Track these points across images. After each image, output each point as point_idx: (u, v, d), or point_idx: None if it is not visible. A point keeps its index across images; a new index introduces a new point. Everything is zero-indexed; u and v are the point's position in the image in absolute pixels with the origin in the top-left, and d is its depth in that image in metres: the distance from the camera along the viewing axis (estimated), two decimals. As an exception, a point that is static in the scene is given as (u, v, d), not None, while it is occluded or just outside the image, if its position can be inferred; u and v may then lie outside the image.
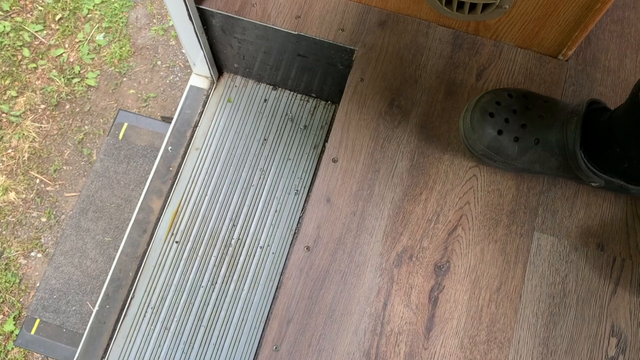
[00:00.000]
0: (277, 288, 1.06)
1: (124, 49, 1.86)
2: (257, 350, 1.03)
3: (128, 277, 1.10)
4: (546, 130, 0.82)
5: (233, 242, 1.11)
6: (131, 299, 1.09)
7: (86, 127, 1.76)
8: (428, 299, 0.84)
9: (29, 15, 1.90)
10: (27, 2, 1.91)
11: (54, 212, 1.66)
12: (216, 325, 1.05)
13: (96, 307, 1.08)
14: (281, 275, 1.06)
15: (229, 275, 1.09)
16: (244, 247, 1.10)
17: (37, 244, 1.64)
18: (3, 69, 1.81)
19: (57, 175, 1.71)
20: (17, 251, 1.63)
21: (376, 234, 0.87)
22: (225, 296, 1.07)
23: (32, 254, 1.63)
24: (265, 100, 1.20)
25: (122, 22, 1.90)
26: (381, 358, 0.81)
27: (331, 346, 0.82)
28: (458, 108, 0.93)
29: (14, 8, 1.90)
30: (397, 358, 0.81)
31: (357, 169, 0.90)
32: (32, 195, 1.70)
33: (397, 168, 0.90)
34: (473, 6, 0.89)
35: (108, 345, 1.06)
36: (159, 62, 1.84)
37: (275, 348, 0.82)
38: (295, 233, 1.10)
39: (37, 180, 1.71)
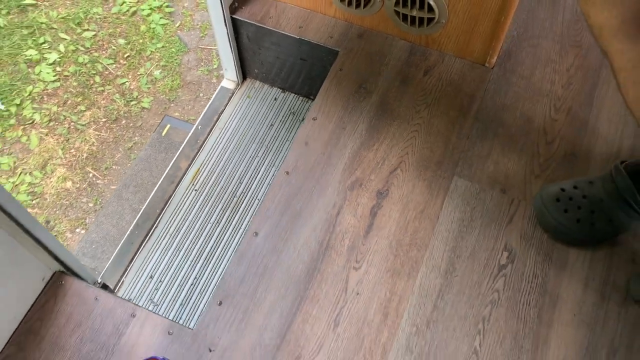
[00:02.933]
0: (260, 201, 1.34)
1: (174, 82, 2.30)
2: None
3: (155, 212, 1.43)
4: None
5: (237, 194, 1.44)
6: (155, 227, 1.41)
7: (136, 138, 2.16)
8: (370, 212, 1.15)
9: (104, 52, 2.38)
10: (104, 42, 2.40)
11: (100, 200, 2.02)
12: (218, 248, 1.36)
13: (127, 232, 1.41)
14: (266, 190, 1.34)
15: (231, 217, 1.41)
16: (245, 198, 1.43)
17: (82, 223, 1.98)
18: (78, 90, 2.27)
19: (107, 172, 2.09)
20: (65, 227, 1.98)
21: (338, 168, 1.20)
22: (227, 230, 1.39)
23: (77, 230, 1.97)
24: (275, 98, 1.57)
25: (176, 63, 2.36)
26: (329, 247, 1.11)
27: (295, 237, 1.12)
28: (408, 92, 1.28)
29: (93, 46, 2.39)
30: (342, 248, 1.11)
31: (330, 125, 1.25)
32: (84, 186, 2.07)
33: (358, 127, 1.24)
34: (421, 21, 1.27)
35: (132, 259, 1.37)
36: (201, 94, 2.26)
37: (255, 234, 1.13)
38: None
39: (90, 175, 2.09)
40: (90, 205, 2.04)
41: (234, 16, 1.40)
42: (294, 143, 1.23)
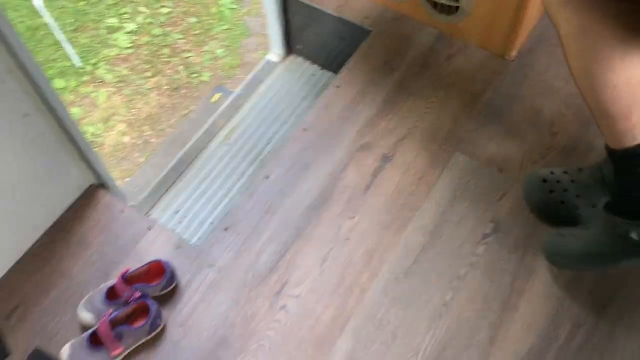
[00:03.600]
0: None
1: (234, 61, 2.49)
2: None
3: (190, 158, 1.59)
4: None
5: (264, 152, 1.58)
6: (187, 171, 1.57)
7: (192, 106, 2.35)
8: (372, 172, 1.25)
9: (175, 27, 2.60)
10: (177, 19, 2.63)
11: (151, 156, 2.22)
12: (237, 194, 1.50)
13: (164, 172, 1.57)
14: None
15: (256, 170, 1.54)
16: (271, 156, 1.57)
17: (131, 174, 2.18)
18: (147, 58, 2.50)
19: (161, 133, 2.29)
20: (116, 175, 2.19)
21: (351, 131, 1.31)
22: (253, 178, 1.53)
23: (127, 179, 2.18)
24: (313, 74, 1.71)
25: (238, 44, 2.55)
26: (329, 197, 1.22)
27: (301, 184, 1.24)
28: (428, 74, 1.39)
29: (167, 21, 2.62)
30: (340, 200, 1.22)
31: (350, 94, 1.37)
32: (139, 142, 2.28)
33: (376, 98, 1.36)
34: (449, 8, 1.37)
35: (162, 195, 1.53)
36: (255, 75, 2.44)
37: (266, 177, 1.26)
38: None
39: (146, 134, 2.29)
40: (142, 160, 2.24)
41: (283, -7, 1.55)
42: (315, 105, 1.36)
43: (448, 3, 1.36)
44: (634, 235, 0.93)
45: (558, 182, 1.15)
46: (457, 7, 1.35)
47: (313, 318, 1.09)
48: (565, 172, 1.16)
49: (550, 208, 1.15)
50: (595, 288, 1.10)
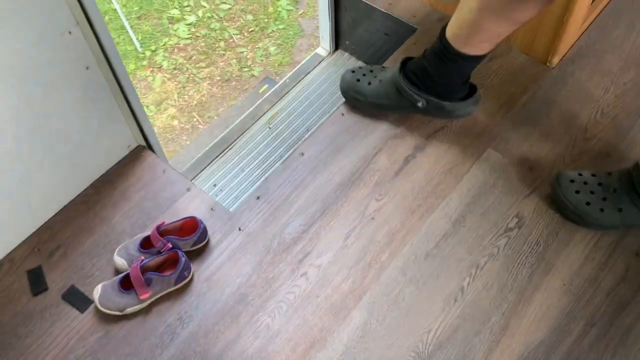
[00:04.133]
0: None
1: (285, 59, 2.58)
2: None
3: (234, 138, 1.67)
4: (387, 75, 1.30)
5: (303, 138, 1.64)
6: (229, 149, 1.64)
7: (240, 97, 2.45)
8: (403, 159, 1.30)
9: (233, 23, 2.72)
10: (235, 16, 2.74)
11: (200, 139, 2.32)
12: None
13: (207, 148, 1.66)
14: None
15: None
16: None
17: (176, 155, 2.29)
18: (203, 49, 2.62)
19: (208, 120, 2.39)
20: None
21: (387, 119, 1.36)
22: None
23: (170, 162, 2.28)
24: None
25: (290, 44, 2.64)
26: (360, 178, 1.27)
27: (334, 163, 1.29)
28: (468, 73, 1.42)
29: (226, 17, 2.74)
30: (370, 181, 1.26)
31: (391, 85, 1.42)
32: (187, 127, 2.38)
33: (415, 92, 1.40)
34: (493, 13, 1.41)
35: (208, 165, 1.61)
36: (304, 74, 2.52)
37: (302, 154, 1.32)
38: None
39: (195, 119, 2.40)
40: (188, 143, 2.34)
41: (336, -12, 1.62)
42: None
43: (494, 6, 1.39)
44: (420, 105, 1.25)
45: (585, 183, 1.17)
46: (503, 11, 1.39)
47: (331, 288, 1.13)
48: (594, 175, 1.18)
49: (575, 208, 1.16)
50: (613, 290, 1.11)
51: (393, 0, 1.57)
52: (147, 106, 2.45)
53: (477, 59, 1.16)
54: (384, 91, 1.30)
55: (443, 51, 1.15)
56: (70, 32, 1.02)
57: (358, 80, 1.35)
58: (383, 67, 1.38)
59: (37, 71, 1.02)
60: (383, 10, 1.56)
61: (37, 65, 1.01)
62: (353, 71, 1.37)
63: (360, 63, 1.77)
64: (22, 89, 1.01)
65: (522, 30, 1.40)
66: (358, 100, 1.35)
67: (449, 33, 1.13)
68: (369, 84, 1.33)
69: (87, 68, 1.10)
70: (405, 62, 1.27)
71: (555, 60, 1.41)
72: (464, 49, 1.12)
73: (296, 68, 1.80)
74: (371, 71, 1.36)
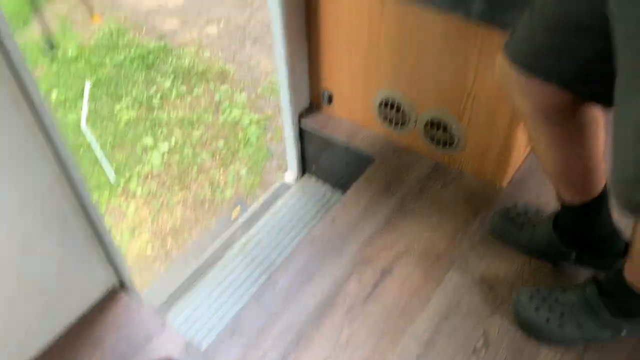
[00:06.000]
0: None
1: (255, 180, 2.69)
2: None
3: (207, 268, 1.71)
4: None
5: (276, 263, 1.69)
6: (203, 279, 1.68)
7: (214, 220, 2.53)
8: (373, 284, 1.35)
9: (205, 148, 2.86)
10: (207, 141, 2.89)
11: (170, 265, 2.35)
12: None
13: (180, 281, 1.69)
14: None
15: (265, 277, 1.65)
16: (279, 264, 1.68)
17: (151, 284, 2.31)
18: (177, 174, 2.73)
19: (182, 244, 2.45)
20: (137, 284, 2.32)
21: (354, 245, 1.43)
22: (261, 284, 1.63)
23: (146, 290, 2.30)
24: (324, 194, 1.87)
25: (260, 166, 2.77)
26: (331, 305, 1.31)
27: (309, 290, 1.34)
28: (425, 198, 1.53)
29: (198, 143, 2.88)
30: (342, 309, 1.31)
31: (355, 211, 1.51)
32: (161, 252, 2.43)
33: (377, 217, 1.49)
34: (445, 142, 1.54)
35: (182, 296, 1.64)
36: (275, 194, 2.63)
37: (274, 284, 1.37)
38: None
39: (168, 244, 2.45)
40: (162, 270, 2.37)
41: (301, 122, 1.75)
42: (323, 218, 1.49)
43: (444, 138, 1.53)
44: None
45: (544, 299, 1.24)
46: (452, 142, 1.52)
47: (308, 421, 1.14)
48: (551, 292, 1.25)
49: (535, 325, 1.22)
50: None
51: (352, 133, 1.71)
52: (120, 233, 2.49)
53: None
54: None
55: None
56: (52, 192, 1.09)
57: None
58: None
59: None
60: (343, 143, 1.69)
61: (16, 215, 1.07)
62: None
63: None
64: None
65: (473, 156, 1.53)
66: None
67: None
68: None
69: (66, 220, 1.16)
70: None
71: (505, 181, 1.53)
72: None
73: (266, 195, 1.89)
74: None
